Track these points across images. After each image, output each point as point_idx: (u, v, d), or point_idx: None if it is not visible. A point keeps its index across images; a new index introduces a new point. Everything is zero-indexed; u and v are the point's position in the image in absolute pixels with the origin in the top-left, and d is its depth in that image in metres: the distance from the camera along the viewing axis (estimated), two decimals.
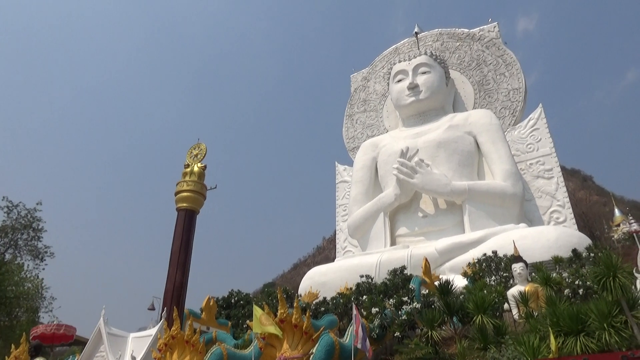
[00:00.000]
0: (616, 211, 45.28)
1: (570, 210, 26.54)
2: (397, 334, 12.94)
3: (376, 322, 13.33)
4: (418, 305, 13.20)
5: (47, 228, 32.27)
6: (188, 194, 18.11)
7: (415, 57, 31.25)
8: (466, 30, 35.01)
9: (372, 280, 18.92)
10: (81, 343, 23.41)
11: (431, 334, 10.87)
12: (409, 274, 18.09)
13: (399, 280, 17.42)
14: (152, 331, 14.67)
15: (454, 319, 11.40)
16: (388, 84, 33.05)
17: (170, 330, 12.41)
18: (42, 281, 30.08)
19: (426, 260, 18.33)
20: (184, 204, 18.00)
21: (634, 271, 12.94)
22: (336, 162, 36.13)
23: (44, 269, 31.35)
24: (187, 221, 17.78)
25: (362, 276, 19.38)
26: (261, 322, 9.87)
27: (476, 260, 19.15)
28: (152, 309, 29.41)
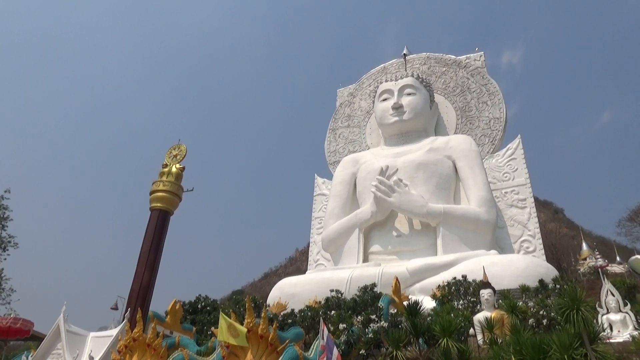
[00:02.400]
0: (584, 245, 46.56)
1: (540, 240, 27.08)
2: (362, 351, 12.89)
3: (343, 338, 13.26)
4: (385, 324, 13.19)
5: (13, 217, 31.31)
6: (163, 194, 17.85)
7: (402, 77, 31.70)
8: (453, 56, 35.77)
9: (342, 295, 18.88)
10: (38, 339, 22.64)
11: (396, 354, 10.87)
12: (378, 292, 18.11)
13: (368, 297, 17.41)
14: (113, 332, 14.30)
15: (420, 340, 11.42)
16: (373, 101, 33.41)
17: (132, 331, 12.10)
18: (2, 271, 29.10)
19: (397, 279, 18.36)
20: (158, 204, 17.73)
21: (596, 305, 13.28)
22: (316, 175, 36.19)
23: (5, 259, 30.36)
24: (159, 221, 17.50)
25: (332, 290, 19.33)
26: (229, 331, 9.69)
27: (446, 283, 19.32)
28: (116, 308, 28.68)
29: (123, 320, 14.69)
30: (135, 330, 12.00)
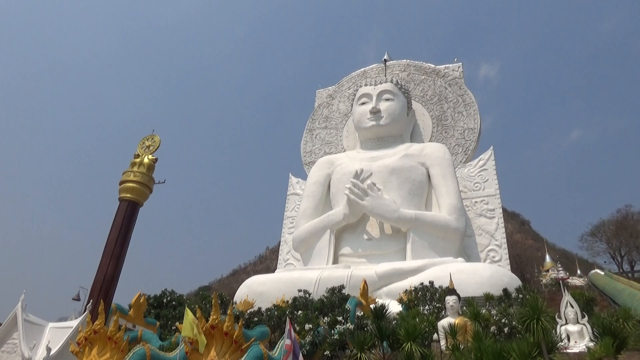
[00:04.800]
0: (547, 257, 47.92)
1: (506, 250, 27.73)
2: (327, 352, 12.93)
3: (308, 338, 13.27)
4: (351, 326, 13.28)
5: None
6: (133, 184, 17.47)
7: (381, 83, 31.95)
8: (432, 65, 36.26)
9: (309, 295, 18.90)
10: None
11: (360, 356, 10.93)
12: (346, 294, 18.20)
13: (336, 299, 17.48)
14: (74, 323, 13.94)
15: (385, 343, 11.52)
16: (352, 104, 33.58)
17: (93, 323, 11.80)
18: None
19: (365, 282, 18.52)
20: (128, 195, 17.35)
21: (556, 316, 13.68)
22: (290, 174, 36.10)
23: None
24: (128, 212, 17.12)
25: (300, 290, 19.32)
26: (192, 327, 9.58)
27: (413, 288, 19.57)
28: (77, 299, 28.02)
29: (84, 311, 14.33)
30: (97, 322, 11.72)
